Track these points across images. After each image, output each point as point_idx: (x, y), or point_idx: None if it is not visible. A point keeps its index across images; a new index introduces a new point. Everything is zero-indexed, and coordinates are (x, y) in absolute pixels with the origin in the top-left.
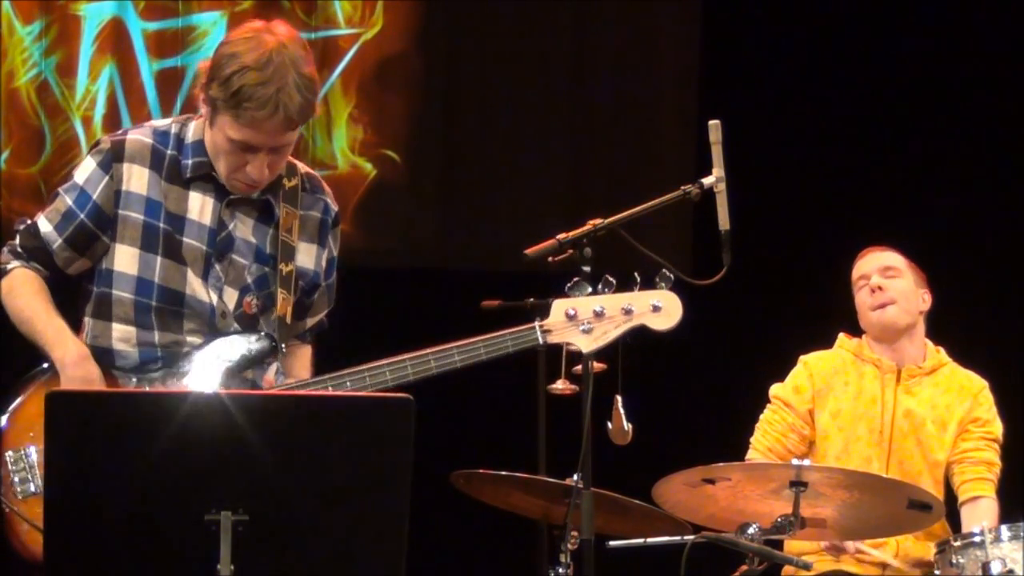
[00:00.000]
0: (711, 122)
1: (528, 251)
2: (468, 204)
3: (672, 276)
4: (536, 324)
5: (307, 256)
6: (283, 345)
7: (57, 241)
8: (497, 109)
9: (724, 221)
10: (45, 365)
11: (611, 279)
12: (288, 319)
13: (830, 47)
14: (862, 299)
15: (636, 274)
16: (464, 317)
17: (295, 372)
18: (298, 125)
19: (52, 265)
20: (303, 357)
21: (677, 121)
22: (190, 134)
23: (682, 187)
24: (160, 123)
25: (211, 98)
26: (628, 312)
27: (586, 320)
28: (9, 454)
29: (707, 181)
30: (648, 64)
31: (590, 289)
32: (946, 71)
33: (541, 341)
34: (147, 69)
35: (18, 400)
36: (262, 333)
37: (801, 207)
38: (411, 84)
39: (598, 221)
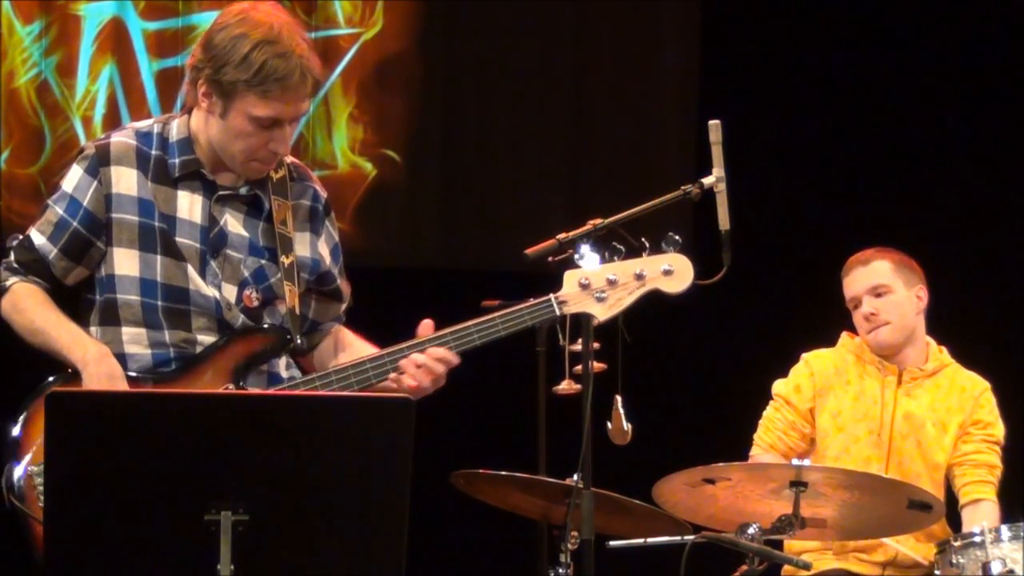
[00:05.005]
0: (711, 122)
1: (528, 251)
2: (468, 204)
3: (679, 239)
4: (552, 296)
5: (303, 245)
6: (298, 337)
7: (53, 252)
8: (497, 109)
9: (724, 221)
10: (51, 379)
11: (620, 247)
12: (298, 311)
13: (830, 47)
14: (857, 321)
15: (644, 240)
16: (464, 317)
17: (356, 350)
18: (318, 90)
19: (50, 277)
20: (348, 336)
21: (677, 121)
22: (174, 133)
23: (682, 187)
24: (141, 124)
25: (227, 83)
26: (640, 277)
27: (600, 289)
28: (33, 468)
29: (707, 181)
30: (648, 64)
31: (599, 259)
32: (946, 70)
33: (558, 312)
34: (147, 69)
35: (31, 412)
36: (274, 325)
37: (801, 207)
38: (411, 84)
39: (598, 221)
